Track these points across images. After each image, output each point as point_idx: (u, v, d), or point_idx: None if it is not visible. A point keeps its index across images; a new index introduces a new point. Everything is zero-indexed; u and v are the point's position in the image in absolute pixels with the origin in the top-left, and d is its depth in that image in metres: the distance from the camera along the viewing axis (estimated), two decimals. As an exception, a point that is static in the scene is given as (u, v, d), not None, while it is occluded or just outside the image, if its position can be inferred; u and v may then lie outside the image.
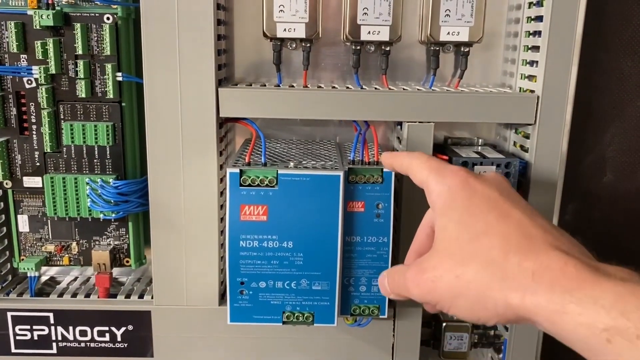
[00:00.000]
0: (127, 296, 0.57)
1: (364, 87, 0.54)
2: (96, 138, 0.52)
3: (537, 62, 0.51)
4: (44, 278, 0.61)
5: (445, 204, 0.35)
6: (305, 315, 0.48)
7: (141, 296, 0.57)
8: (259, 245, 0.46)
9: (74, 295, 0.57)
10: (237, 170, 0.45)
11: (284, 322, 0.48)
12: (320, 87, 0.55)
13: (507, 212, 0.33)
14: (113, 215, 0.53)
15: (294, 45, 0.55)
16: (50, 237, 0.56)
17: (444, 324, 0.60)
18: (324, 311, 0.48)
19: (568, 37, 0.49)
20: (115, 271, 0.60)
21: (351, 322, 0.52)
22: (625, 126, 0.59)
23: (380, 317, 0.49)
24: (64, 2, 0.50)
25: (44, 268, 0.60)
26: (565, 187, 0.52)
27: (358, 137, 0.50)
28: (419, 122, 0.51)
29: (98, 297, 0.56)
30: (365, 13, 0.51)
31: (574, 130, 0.51)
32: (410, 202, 0.52)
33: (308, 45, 0.53)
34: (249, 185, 0.45)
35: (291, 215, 0.46)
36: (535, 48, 0.52)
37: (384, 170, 0.47)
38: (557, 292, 0.28)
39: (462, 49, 0.54)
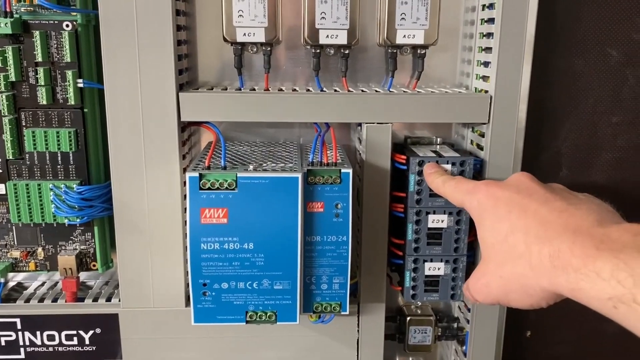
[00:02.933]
0: (95, 299, 0.57)
1: (324, 89, 0.56)
2: (59, 144, 0.52)
3: (490, 62, 0.53)
4: (11, 284, 0.61)
5: (478, 218, 0.41)
6: (268, 314, 0.49)
7: (109, 299, 0.57)
8: (220, 247, 0.47)
9: (41, 300, 0.57)
10: (196, 174, 0.46)
11: (247, 322, 0.49)
12: (281, 90, 0.56)
13: (525, 207, 0.37)
14: (77, 220, 0.54)
15: (255, 49, 0.56)
16: (16, 243, 0.56)
17: (408, 318, 0.61)
18: (286, 310, 0.49)
19: (518, 38, 0.51)
20: (83, 275, 0.61)
21: (315, 319, 0.53)
22: (578, 123, 0.61)
23: (342, 313, 0.51)
24: (22, 10, 0.50)
25: (10, 274, 0.60)
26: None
27: (317, 138, 0.51)
28: (377, 123, 0.52)
29: (65, 302, 0.57)
30: (323, 17, 0.52)
31: (529, 128, 0.53)
32: (371, 200, 0.54)
33: (268, 49, 0.54)
34: (209, 188, 0.46)
35: (251, 217, 0.47)
36: (489, 49, 0.53)
37: (342, 170, 0.48)
38: (570, 272, 0.32)
39: (418, 51, 0.55)
